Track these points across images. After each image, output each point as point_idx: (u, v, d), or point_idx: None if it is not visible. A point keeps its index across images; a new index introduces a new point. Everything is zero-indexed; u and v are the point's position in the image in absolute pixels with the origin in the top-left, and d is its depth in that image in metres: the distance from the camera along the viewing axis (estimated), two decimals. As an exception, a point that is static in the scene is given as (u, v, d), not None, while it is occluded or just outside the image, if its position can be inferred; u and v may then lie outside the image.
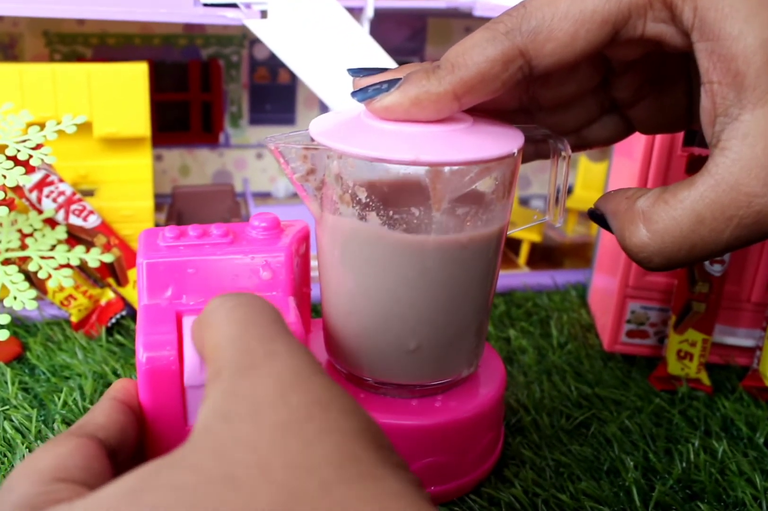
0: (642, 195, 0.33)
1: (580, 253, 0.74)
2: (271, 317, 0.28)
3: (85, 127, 0.57)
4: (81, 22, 0.72)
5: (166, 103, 0.77)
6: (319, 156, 0.33)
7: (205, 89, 0.77)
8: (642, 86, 0.37)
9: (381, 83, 0.33)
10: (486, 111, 0.37)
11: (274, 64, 0.78)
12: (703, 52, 0.30)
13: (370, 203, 0.33)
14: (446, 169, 0.32)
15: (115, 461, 0.29)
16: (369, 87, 0.33)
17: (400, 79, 0.33)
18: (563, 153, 0.37)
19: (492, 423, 0.40)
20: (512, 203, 0.36)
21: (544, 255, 0.73)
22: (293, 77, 0.79)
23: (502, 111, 0.38)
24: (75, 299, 0.52)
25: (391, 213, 0.33)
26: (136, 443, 0.32)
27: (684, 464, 0.43)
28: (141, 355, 0.33)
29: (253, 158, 0.81)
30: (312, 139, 0.34)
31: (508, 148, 0.33)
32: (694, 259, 0.31)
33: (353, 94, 0.34)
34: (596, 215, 0.37)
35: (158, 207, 0.72)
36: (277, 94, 0.80)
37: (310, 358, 0.26)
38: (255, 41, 0.77)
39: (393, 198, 0.33)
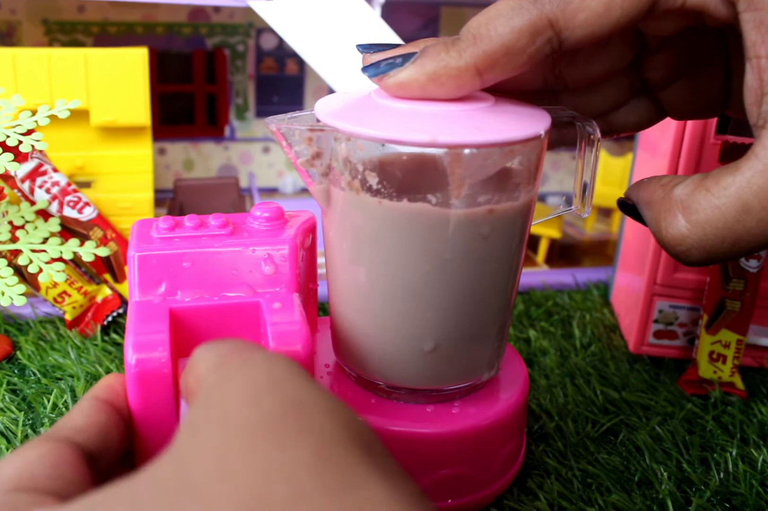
0: (680, 182, 0.30)
1: (599, 251, 0.71)
2: (256, 346, 0.25)
3: (81, 116, 0.54)
4: (81, 9, 0.69)
5: (169, 94, 0.75)
6: (325, 138, 0.30)
7: (209, 80, 0.75)
8: (676, 66, 0.34)
9: (395, 57, 0.30)
10: (506, 91, 0.34)
11: (281, 54, 0.75)
12: (751, 23, 0.27)
13: (382, 190, 0.30)
14: (466, 151, 0.28)
15: (96, 468, 0.26)
16: (381, 62, 0.30)
17: (415, 53, 0.30)
18: (592, 136, 0.34)
19: (514, 431, 0.37)
20: (537, 190, 0.33)
21: (563, 253, 0.70)
22: (302, 68, 0.76)
23: (524, 91, 0.35)
24: (69, 295, 0.49)
25: (405, 201, 0.30)
26: (122, 448, 0.29)
27: (722, 475, 0.40)
28: (130, 357, 0.30)
29: (260, 152, 0.78)
30: (318, 121, 0.31)
31: (534, 130, 0.30)
32: (737, 252, 0.29)
33: (364, 69, 0.31)
34: (627, 206, 0.34)
35: (160, 203, 0.70)
36: (284, 86, 0.77)
37: (290, 363, 0.23)
38: (262, 30, 0.74)
39: (407, 184, 0.30)
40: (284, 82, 0.77)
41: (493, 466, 0.36)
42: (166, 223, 0.34)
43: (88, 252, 0.46)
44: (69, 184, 0.50)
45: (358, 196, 0.31)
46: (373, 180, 0.30)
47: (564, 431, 0.43)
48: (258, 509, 0.18)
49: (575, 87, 0.35)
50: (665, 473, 0.40)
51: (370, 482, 0.19)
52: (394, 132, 0.28)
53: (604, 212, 0.76)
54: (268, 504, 0.18)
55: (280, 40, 0.75)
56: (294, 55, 0.75)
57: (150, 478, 0.20)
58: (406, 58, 0.30)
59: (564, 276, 0.62)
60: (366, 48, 0.32)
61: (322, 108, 0.32)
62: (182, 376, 0.28)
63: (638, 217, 0.33)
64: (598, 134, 0.34)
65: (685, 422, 0.45)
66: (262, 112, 0.77)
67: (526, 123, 0.30)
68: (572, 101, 0.35)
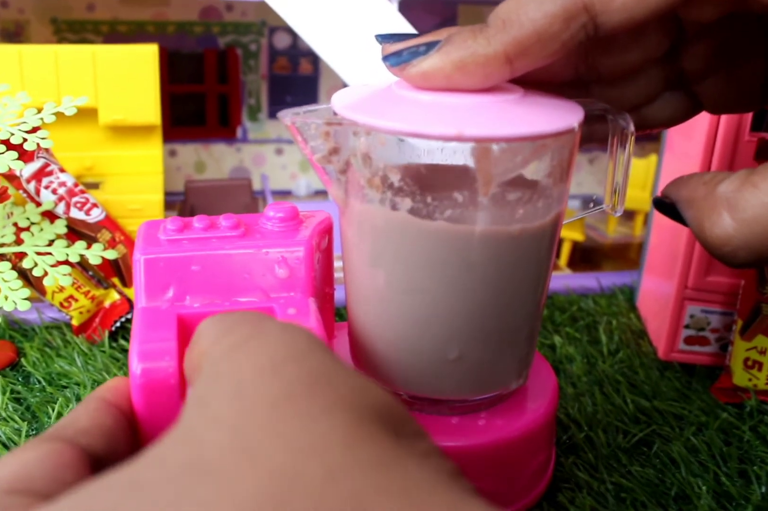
0: (724, 179, 0.29)
1: (622, 254, 0.69)
2: (271, 319, 0.23)
3: (90, 115, 0.52)
4: (91, 7, 0.68)
5: (181, 95, 0.73)
6: (343, 133, 0.28)
7: (221, 80, 0.73)
8: (715, 57, 0.32)
9: (418, 46, 0.28)
10: (535, 83, 0.32)
11: (295, 53, 0.74)
12: None
13: (404, 188, 0.28)
14: (495, 146, 0.26)
15: (101, 473, 0.25)
16: (403, 50, 0.28)
17: (439, 41, 0.28)
18: (625, 130, 0.32)
19: (544, 443, 0.35)
20: (569, 189, 0.31)
21: (584, 256, 0.68)
22: (316, 67, 0.75)
23: (554, 83, 0.33)
24: (76, 300, 0.48)
25: (429, 200, 0.28)
26: (129, 453, 0.27)
27: (763, 489, 0.38)
28: (135, 366, 0.28)
29: (273, 154, 0.76)
30: (335, 114, 0.29)
31: (567, 123, 0.28)
32: (789, 254, 0.27)
33: (384, 58, 0.29)
34: (665, 205, 0.32)
35: (171, 205, 0.68)
36: (298, 86, 0.75)
37: (310, 335, 0.22)
38: (275, 29, 0.73)
39: (431, 182, 0.28)
40: (298, 82, 0.75)
41: (521, 480, 0.34)
42: (174, 225, 0.33)
43: (96, 255, 0.44)
44: (76, 185, 0.48)
45: (378, 195, 0.29)
46: (395, 177, 0.28)
47: (594, 442, 0.41)
48: (285, 491, 0.16)
49: (608, 78, 0.33)
50: (703, 487, 0.37)
51: (404, 460, 0.18)
52: (416, 125, 0.26)
53: (627, 215, 0.74)
54: (300, 482, 0.16)
55: (294, 39, 0.73)
56: (308, 55, 0.73)
57: (155, 458, 0.18)
58: (430, 46, 0.28)
59: (588, 280, 0.60)
60: (386, 38, 0.30)
61: (340, 100, 0.30)
62: (186, 355, 0.25)
63: (677, 217, 0.31)
64: (632, 128, 0.32)
65: (721, 432, 0.43)
66: (275, 113, 0.75)
67: (559, 115, 0.28)
68: (604, 94, 0.34)
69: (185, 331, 0.30)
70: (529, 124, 0.27)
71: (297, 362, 0.20)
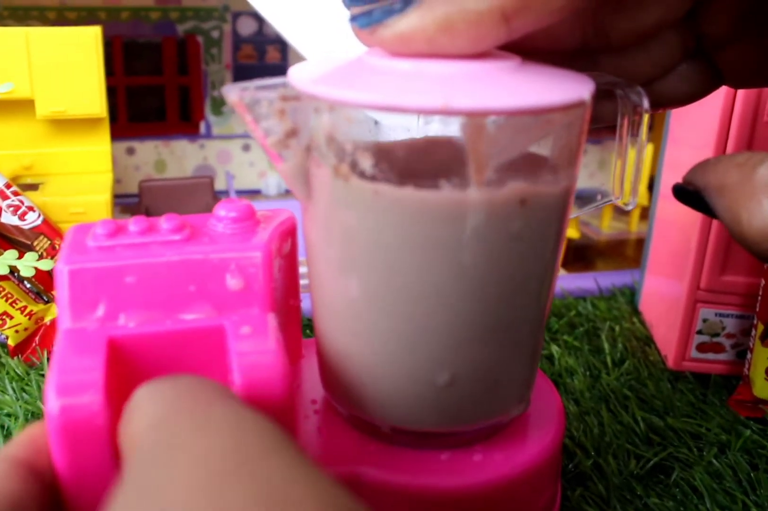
0: (763, 160, 0.24)
1: (618, 252, 0.65)
2: (217, 390, 0.18)
3: (26, 107, 0.47)
4: (35, -8, 0.62)
5: (138, 88, 0.68)
6: (302, 110, 0.23)
7: (182, 71, 0.68)
8: (739, 20, 0.27)
9: (392, 2, 0.23)
10: (533, 52, 0.26)
11: (261, 40, 0.68)
12: None
13: (379, 175, 0.23)
14: (491, 120, 0.21)
15: None
16: (375, 9, 0.23)
17: (418, -5, 0.22)
18: (638, 107, 0.27)
19: (550, 478, 0.30)
20: (577, 176, 0.26)
21: (577, 255, 0.63)
22: (284, 56, 0.69)
23: (555, 52, 0.28)
24: (11, 317, 0.42)
25: (410, 188, 0.23)
26: None
27: (801, 523, 0.33)
28: (52, 403, 0.22)
29: (239, 150, 0.71)
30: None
31: (576, 93, 0.23)
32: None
33: (352, 20, 0.24)
34: (687, 194, 0.28)
35: (127, 209, 0.63)
36: (265, 75, 0.69)
37: (265, 425, 0.16)
38: (239, 14, 0.67)
39: (412, 167, 0.23)
40: (265, 71, 0.69)
41: (525, 523, 0.29)
42: (106, 228, 0.27)
43: (28, 266, 0.39)
44: (8, 186, 0.42)
45: (347, 185, 0.23)
46: (366, 162, 0.22)
47: (604, 470, 0.36)
48: None
49: (619, 44, 0.28)
50: (734, 523, 0.32)
51: None
52: (392, 96, 0.21)
53: (622, 209, 0.69)
54: None
55: (260, 25, 0.67)
56: (275, 42, 0.68)
57: None
58: (408, 1, 0.22)
59: (584, 281, 0.55)
60: (354, 1, 0.25)
61: (298, 74, 0.24)
62: (120, 427, 0.21)
63: (703, 207, 0.27)
64: (646, 104, 0.27)
65: (745, 453, 0.38)
66: (241, 106, 0.70)
67: (566, 86, 0.23)
68: (613, 65, 0.28)
69: (117, 357, 0.25)
70: (531, 95, 0.22)
71: (242, 476, 0.15)
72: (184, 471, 0.15)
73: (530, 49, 0.26)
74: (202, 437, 0.16)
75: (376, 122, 0.23)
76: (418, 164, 0.23)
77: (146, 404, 0.20)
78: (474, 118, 0.21)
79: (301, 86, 0.23)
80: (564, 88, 0.23)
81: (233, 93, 0.23)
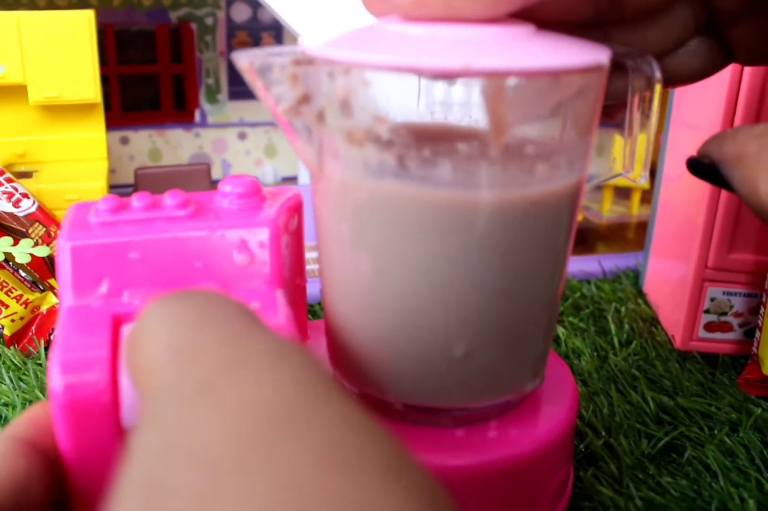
0: None
1: (620, 235, 0.64)
2: (238, 315, 0.17)
3: (18, 93, 0.46)
4: (24, -21, 0.61)
5: (131, 77, 0.67)
6: (315, 75, 0.22)
7: (175, 59, 0.67)
8: None
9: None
10: (546, 22, 0.26)
11: (256, 26, 0.67)
12: None
13: (395, 143, 0.22)
14: (512, 81, 0.21)
15: None
16: (387, -28, 0.22)
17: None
18: (651, 78, 0.26)
19: (566, 454, 0.29)
20: (593, 145, 0.25)
21: (579, 238, 0.63)
22: (279, 42, 0.68)
23: (567, 23, 0.27)
24: (6, 306, 0.41)
25: (427, 155, 0.22)
26: (47, 502, 0.21)
27: (818, 500, 0.32)
28: (56, 381, 0.22)
29: (235, 139, 0.70)
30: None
31: (594, 57, 0.22)
32: None
33: (361, -17, 0.23)
34: (702, 166, 0.27)
35: (123, 197, 0.61)
36: (259, 63, 0.69)
37: (309, 360, 0.15)
38: (233, 0, 0.66)
39: (430, 134, 0.22)
40: (259, 59, 0.68)
41: (540, 501, 0.29)
42: (108, 204, 0.26)
43: (24, 252, 0.38)
44: (2, 173, 0.42)
45: (361, 154, 0.22)
46: (382, 128, 0.22)
47: (615, 450, 0.35)
48: None
49: (632, 16, 0.27)
50: (750, 500, 0.32)
51: None
52: (411, 57, 0.20)
53: (622, 192, 0.69)
54: None
55: (254, 11, 0.66)
56: (271, 28, 0.67)
57: None
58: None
59: (588, 264, 0.54)
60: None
61: (311, 41, 0.24)
62: (126, 346, 0.19)
63: (719, 179, 0.26)
64: (658, 74, 0.26)
65: (757, 431, 0.37)
66: (237, 94, 0.69)
67: (584, 50, 0.23)
68: (624, 38, 0.28)
69: (121, 339, 0.24)
70: (550, 57, 0.21)
71: (300, 426, 0.14)
72: (223, 419, 0.13)
73: (542, 20, 0.25)
74: (238, 376, 0.14)
75: (391, 86, 0.22)
76: (437, 132, 0.22)
77: (159, 328, 0.17)
78: (494, 79, 0.20)
79: (315, 50, 0.22)
80: (582, 52, 0.22)
81: (243, 58, 0.22)
